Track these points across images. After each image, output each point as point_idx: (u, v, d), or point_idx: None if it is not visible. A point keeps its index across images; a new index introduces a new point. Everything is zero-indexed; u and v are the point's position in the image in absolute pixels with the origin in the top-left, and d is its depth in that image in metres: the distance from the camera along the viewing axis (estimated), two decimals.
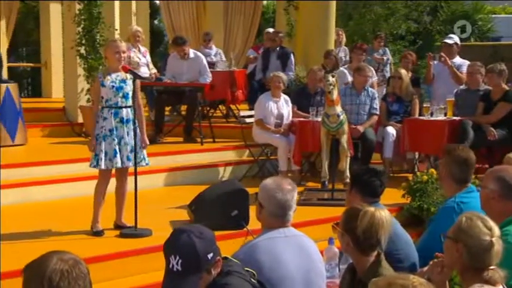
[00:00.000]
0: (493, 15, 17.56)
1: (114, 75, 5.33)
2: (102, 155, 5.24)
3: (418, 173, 6.52)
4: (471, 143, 6.89)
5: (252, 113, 7.96)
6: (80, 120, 9.03)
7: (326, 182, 6.88)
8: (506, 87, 7.27)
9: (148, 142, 5.57)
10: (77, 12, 8.55)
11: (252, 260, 3.01)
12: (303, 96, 7.92)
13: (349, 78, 8.14)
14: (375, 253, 2.96)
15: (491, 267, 2.66)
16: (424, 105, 8.34)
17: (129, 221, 5.36)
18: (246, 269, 2.74)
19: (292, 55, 9.63)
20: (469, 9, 15.67)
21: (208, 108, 9.77)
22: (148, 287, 4.55)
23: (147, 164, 5.50)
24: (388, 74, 9.23)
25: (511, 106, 7.12)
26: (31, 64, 14.99)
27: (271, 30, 10.59)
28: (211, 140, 8.44)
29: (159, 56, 14.76)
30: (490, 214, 3.27)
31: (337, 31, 10.29)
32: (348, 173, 6.68)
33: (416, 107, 7.73)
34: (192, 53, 8.76)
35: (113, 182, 5.44)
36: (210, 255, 2.53)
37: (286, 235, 3.18)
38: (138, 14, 12.16)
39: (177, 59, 8.78)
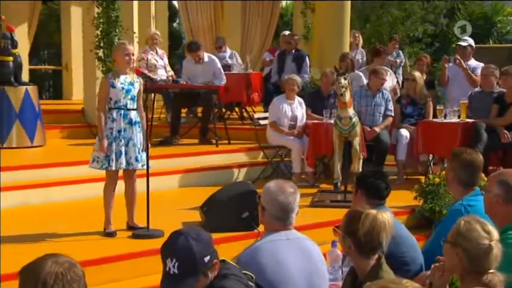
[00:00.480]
0: None
1: (123, 77, 5.40)
2: (114, 156, 5.30)
3: (430, 176, 6.51)
4: (485, 146, 6.90)
5: (266, 115, 8.02)
6: None
7: (338, 184, 6.91)
8: None
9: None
10: (96, 15, 8.69)
11: (255, 263, 3.04)
12: (317, 99, 7.96)
13: (365, 81, 8.17)
14: (376, 256, 2.95)
15: (491, 270, 2.66)
16: (438, 108, 8.32)
17: (141, 222, 5.42)
18: (244, 271, 2.74)
19: (307, 58, 9.68)
20: (488, 10, 15.54)
21: (224, 110, 9.86)
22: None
23: (142, 166, 5.44)
24: (400, 77, 9.23)
25: None
26: (52, 66, 15.20)
27: (287, 32, 10.65)
28: (226, 141, 8.51)
29: (177, 58, 14.88)
30: (493, 218, 3.29)
31: (353, 33, 10.32)
32: None
33: (430, 110, 7.74)
34: (206, 56, 8.87)
35: (121, 183, 5.50)
36: (207, 258, 2.53)
37: (288, 238, 3.20)
38: (157, 17, 12.27)
39: (192, 63, 8.90)
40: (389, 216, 3.03)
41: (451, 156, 4.22)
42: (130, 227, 5.50)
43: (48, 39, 15.17)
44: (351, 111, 6.68)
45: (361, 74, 8.53)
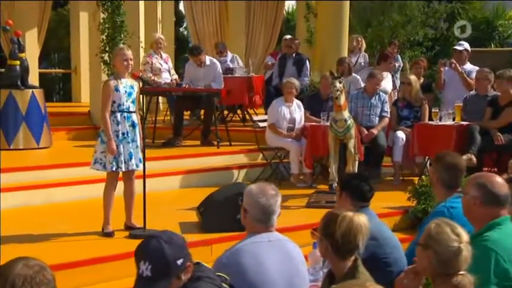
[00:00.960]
0: None
1: (124, 81, 5.56)
2: (122, 158, 5.46)
3: (423, 177, 6.64)
4: (479, 148, 7.01)
5: (266, 117, 8.17)
6: None
7: (334, 185, 7.04)
8: None
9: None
10: (101, 21, 8.88)
11: (236, 264, 3.09)
12: (316, 102, 8.11)
13: (362, 84, 8.31)
14: (353, 258, 3.00)
15: (461, 272, 2.70)
16: (434, 111, 8.43)
17: (139, 222, 5.56)
18: (218, 273, 2.75)
19: (307, 61, 9.82)
20: (489, 15, 15.55)
21: (227, 113, 10.03)
22: None
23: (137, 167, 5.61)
24: (398, 81, 9.34)
25: None
26: (62, 70, 15.50)
27: (288, 37, 10.76)
28: (227, 143, 8.68)
29: (183, 62, 15.03)
30: (471, 220, 3.33)
31: (356, 38, 10.42)
32: None
33: (425, 112, 7.86)
34: (208, 60, 9.06)
35: (119, 184, 5.65)
36: (179, 261, 2.53)
37: (270, 240, 3.24)
38: (164, 22, 12.43)
39: (194, 66, 9.08)
40: (365, 218, 3.09)
41: (435, 158, 4.28)
42: (128, 227, 5.63)
43: (58, 44, 15.54)
44: (345, 113, 6.82)
45: (358, 77, 8.66)
